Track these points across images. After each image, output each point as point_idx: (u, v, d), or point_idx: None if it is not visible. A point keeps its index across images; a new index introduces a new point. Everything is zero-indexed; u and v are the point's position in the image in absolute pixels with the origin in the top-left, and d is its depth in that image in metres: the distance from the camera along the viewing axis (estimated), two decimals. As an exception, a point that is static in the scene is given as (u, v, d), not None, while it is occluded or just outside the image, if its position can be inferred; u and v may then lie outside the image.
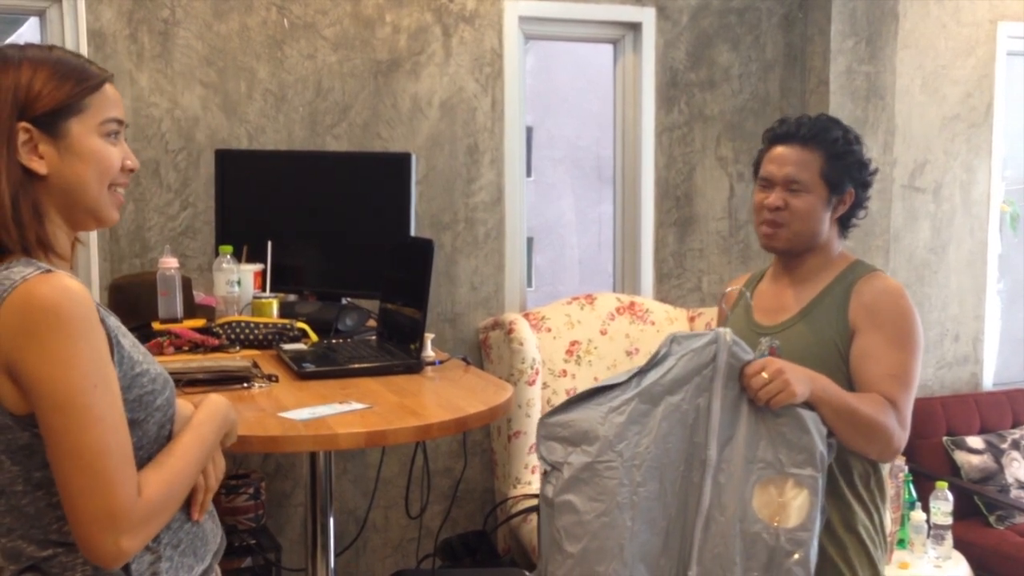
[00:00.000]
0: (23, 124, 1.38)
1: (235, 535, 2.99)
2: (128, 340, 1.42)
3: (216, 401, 1.58)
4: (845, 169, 2.05)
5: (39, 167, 1.39)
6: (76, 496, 1.29)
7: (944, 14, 4.09)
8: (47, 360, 1.27)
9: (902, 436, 1.94)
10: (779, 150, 2.07)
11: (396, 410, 2.00)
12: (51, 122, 1.39)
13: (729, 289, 2.21)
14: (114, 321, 1.42)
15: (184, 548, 1.46)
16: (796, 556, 1.82)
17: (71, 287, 1.31)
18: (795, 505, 1.82)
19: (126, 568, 1.37)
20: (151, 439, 1.42)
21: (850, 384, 1.97)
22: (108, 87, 1.45)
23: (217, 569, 1.56)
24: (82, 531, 1.30)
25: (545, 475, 1.85)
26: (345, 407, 1.96)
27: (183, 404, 1.56)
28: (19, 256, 1.38)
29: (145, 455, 1.40)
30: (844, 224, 2.11)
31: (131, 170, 1.49)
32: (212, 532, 1.55)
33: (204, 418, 1.52)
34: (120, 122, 1.47)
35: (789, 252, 2.10)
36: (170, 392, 1.46)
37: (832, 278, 2.07)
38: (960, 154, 4.18)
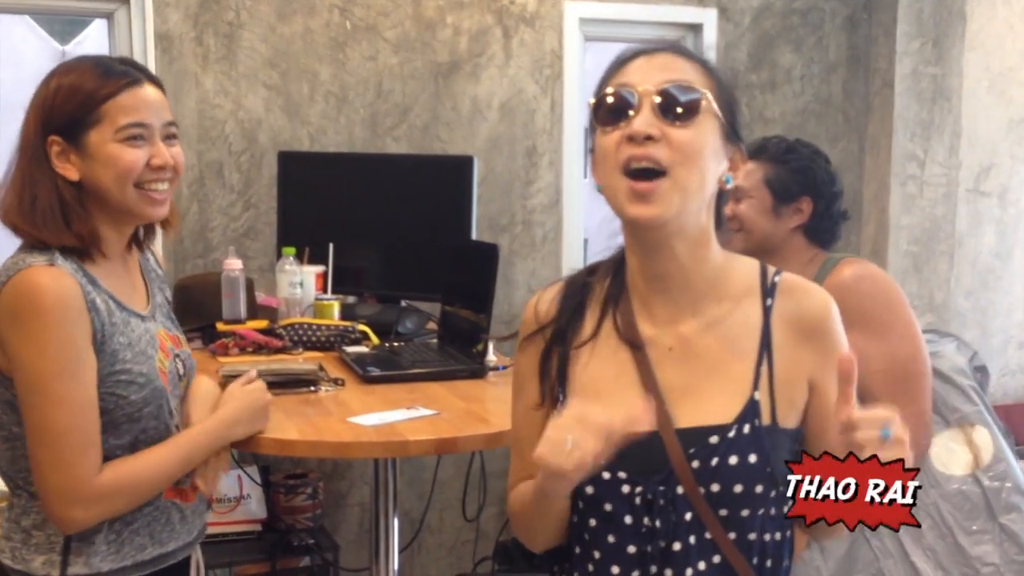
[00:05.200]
0: (53, 137, 1.52)
1: (293, 535, 3.01)
2: (125, 338, 1.53)
3: (238, 406, 1.68)
4: (789, 176, 2.11)
5: (71, 174, 1.52)
6: (39, 468, 1.47)
7: (1012, 15, 3.99)
8: (23, 343, 1.44)
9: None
10: None
11: (464, 417, 1.99)
12: (72, 133, 1.51)
13: None
14: (116, 318, 1.52)
15: (138, 527, 1.56)
16: (1008, 485, 1.78)
17: (58, 282, 1.45)
18: (976, 444, 1.78)
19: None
20: (127, 426, 1.53)
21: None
22: (128, 93, 1.52)
23: (196, 556, 1.69)
24: (44, 499, 1.48)
25: None
26: (413, 413, 1.96)
27: (203, 382, 1.70)
28: (48, 245, 1.50)
29: (126, 440, 1.53)
30: (812, 235, 2.15)
31: (159, 167, 1.55)
32: (181, 524, 1.63)
33: (214, 424, 1.63)
34: (142, 125, 1.53)
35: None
36: (149, 393, 1.55)
37: None
38: (1027, 158, 4.09)
